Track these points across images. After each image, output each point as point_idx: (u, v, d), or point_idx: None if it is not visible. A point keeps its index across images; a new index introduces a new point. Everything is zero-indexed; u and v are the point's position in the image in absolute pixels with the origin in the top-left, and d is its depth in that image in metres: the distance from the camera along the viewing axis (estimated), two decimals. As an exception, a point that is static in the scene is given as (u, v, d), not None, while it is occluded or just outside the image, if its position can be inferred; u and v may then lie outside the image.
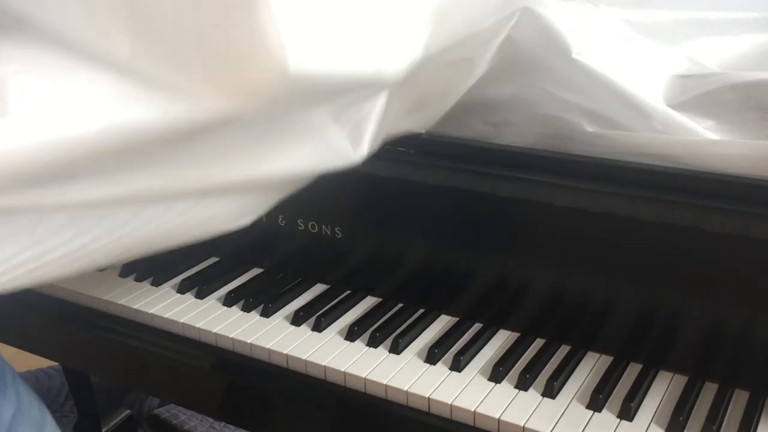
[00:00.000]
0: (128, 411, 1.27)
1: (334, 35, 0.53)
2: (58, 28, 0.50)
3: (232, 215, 0.63)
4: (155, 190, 0.56)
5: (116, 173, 0.53)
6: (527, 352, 0.73)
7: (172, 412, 1.32)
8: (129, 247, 0.59)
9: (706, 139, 0.66)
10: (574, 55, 0.67)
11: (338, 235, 0.81)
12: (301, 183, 0.67)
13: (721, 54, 0.76)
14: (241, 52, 0.48)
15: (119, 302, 0.83)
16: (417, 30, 0.58)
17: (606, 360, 0.71)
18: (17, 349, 0.95)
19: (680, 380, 0.68)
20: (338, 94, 0.58)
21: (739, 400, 0.66)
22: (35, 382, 1.42)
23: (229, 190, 0.61)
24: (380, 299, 0.82)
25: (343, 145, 0.61)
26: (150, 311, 0.81)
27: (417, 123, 0.70)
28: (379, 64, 0.55)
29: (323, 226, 0.82)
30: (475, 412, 0.65)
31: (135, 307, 0.82)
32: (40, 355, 0.99)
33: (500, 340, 0.75)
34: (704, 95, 0.70)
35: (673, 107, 0.69)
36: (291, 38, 0.48)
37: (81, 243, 0.56)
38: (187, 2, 0.47)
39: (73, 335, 0.88)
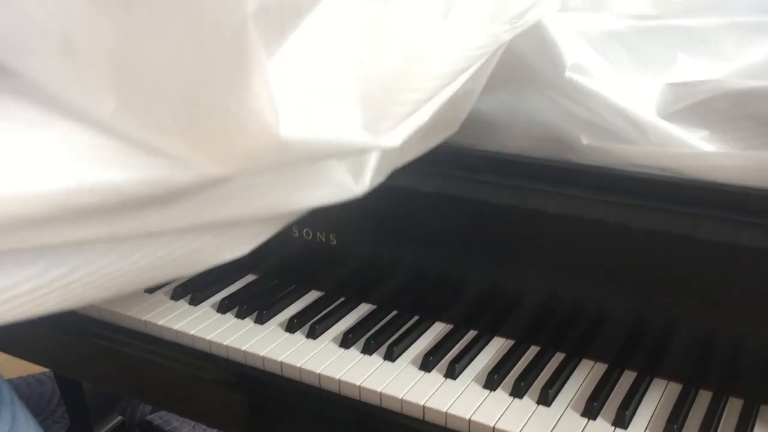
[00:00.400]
0: (120, 417, 1.27)
1: (328, 103, 0.51)
2: (36, 79, 0.47)
3: (226, 246, 0.61)
4: (138, 232, 0.54)
5: (93, 221, 0.50)
6: (522, 359, 0.73)
7: (164, 419, 1.31)
8: (111, 280, 0.56)
9: (700, 152, 0.66)
10: (567, 74, 0.67)
11: (333, 242, 0.81)
12: (301, 214, 0.65)
13: (723, 61, 0.75)
14: (232, 118, 0.46)
15: (112, 309, 0.83)
16: (425, 103, 0.56)
17: (601, 368, 0.71)
18: (8, 356, 0.94)
19: (675, 388, 0.68)
20: (333, 156, 0.56)
21: (733, 408, 0.66)
22: (27, 388, 1.41)
23: (222, 225, 0.59)
24: (375, 306, 0.82)
25: (344, 178, 0.59)
26: (143, 318, 0.81)
27: (423, 149, 0.69)
28: (377, 134, 0.53)
29: (318, 233, 0.82)
30: (470, 419, 0.65)
31: (128, 314, 0.82)
32: (32, 362, 0.98)
33: (495, 348, 0.75)
34: (698, 104, 0.70)
35: (668, 116, 0.69)
36: (284, 105, 0.46)
37: (54, 275, 0.52)
38: (176, 66, 0.45)
39: (65, 342, 0.88)
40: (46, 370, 1.41)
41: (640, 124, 0.67)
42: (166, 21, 0.44)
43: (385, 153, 0.60)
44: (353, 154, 0.57)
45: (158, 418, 1.31)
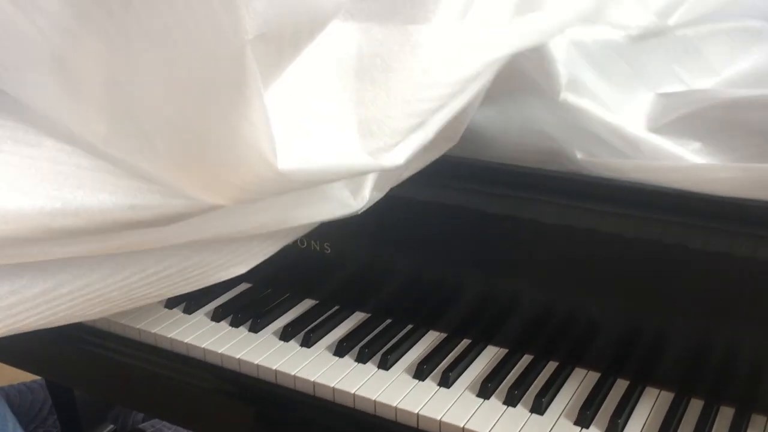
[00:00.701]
0: (112, 426, 1.26)
1: (326, 127, 0.50)
2: (26, 98, 0.46)
3: (223, 265, 0.60)
4: (128, 249, 0.52)
5: (80, 240, 0.49)
6: (515, 368, 0.73)
7: (156, 427, 1.30)
8: (100, 296, 0.54)
9: (693, 164, 0.66)
10: (562, 95, 0.67)
11: (327, 250, 0.82)
12: (302, 232, 0.63)
13: (716, 71, 0.76)
14: (228, 148, 0.45)
15: (105, 317, 0.83)
16: (434, 114, 0.54)
17: (593, 376, 0.72)
18: None
19: (666, 397, 0.69)
20: (333, 181, 0.55)
21: (725, 417, 0.66)
22: (18, 396, 1.39)
23: (219, 242, 0.57)
24: (369, 315, 0.82)
25: (342, 193, 0.58)
26: (137, 326, 0.81)
27: (423, 163, 0.68)
28: (379, 153, 0.52)
29: (312, 242, 0.82)
30: (464, 428, 0.65)
31: (122, 322, 0.82)
32: (23, 370, 0.97)
33: (488, 356, 0.75)
34: (689, 115, 0.70)
35: (659, 129, 0.70)
36: (281, 133, 0.45)
37: (39, 290, 0.52)
38: (170, 92, 0.44)
39: (57, 350, 0.87)
40: (37, 377, 1.40)
41: (634, 142, 0.67)
42: (162, 44, 0.42)
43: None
44: (355, 177, 0.56)
45: (150, 426, 1.31)
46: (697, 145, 0.69)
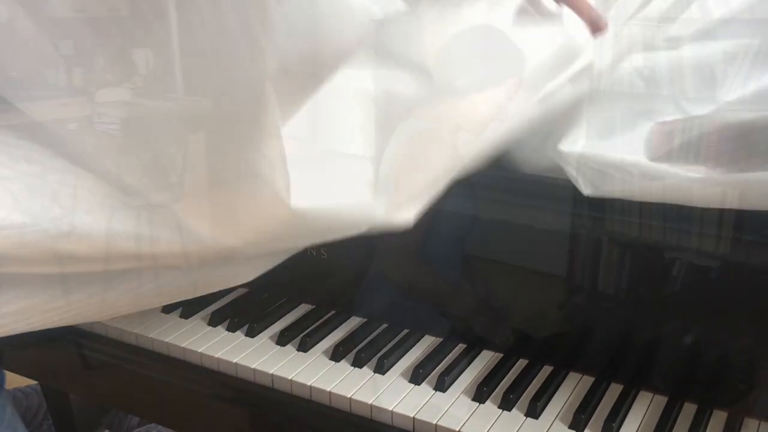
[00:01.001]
0: (107, 431, 1.26)
1: (343, 174, 0.48)
2: (40, 117, 0.46)
3: (230, 273, 0.59)
4: (131, 267, 0.52)
5: (83, 262, 0.48)
6: (510, 372, 0.74)
7: (151, 432, 1.30)
8: (104, 301, 0.54)
9: (695, 177, 0.66)
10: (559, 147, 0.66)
11: (324, 255, 0.82)
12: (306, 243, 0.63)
13: (724, 93, 0.75)
14: (241, 182, 0.44)
15: (102, 321, 0.83)
16: (442, 177, 0.53)
17: (587, 380, 0.72)
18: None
19: (660, 401, 0.69)
20: (344, 230, 0.54)
21: (718, 420, 0.67)
22: (13, 401, 1.39)
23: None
24: (365, 320, 0.82)
25: None
26: (134, 331, 0.81)
27: None
28: (392, 211, 0.51)
29: (309, 247, 0.82)
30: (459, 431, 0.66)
31: (118, 326, 0.82)
32: (19, 374, 0.98)
33: (484, 361, 0.76)
34: (691, 141, 0.70)
35: (662, 156, 0.69)
36: (296, 172, 0.44)
37: (50, 295, 0.51)
38: (187, 128, 0.43)
39: (53, 354, 0.87)
40: (32, 382, 1.40)
41: (637, 175, 0.67)
42: (181, 75, 0.42)
43: None
44: (365, 228, 0.55)
45: (145, 431, 1.31)
46: (700, 170, 0.68)
